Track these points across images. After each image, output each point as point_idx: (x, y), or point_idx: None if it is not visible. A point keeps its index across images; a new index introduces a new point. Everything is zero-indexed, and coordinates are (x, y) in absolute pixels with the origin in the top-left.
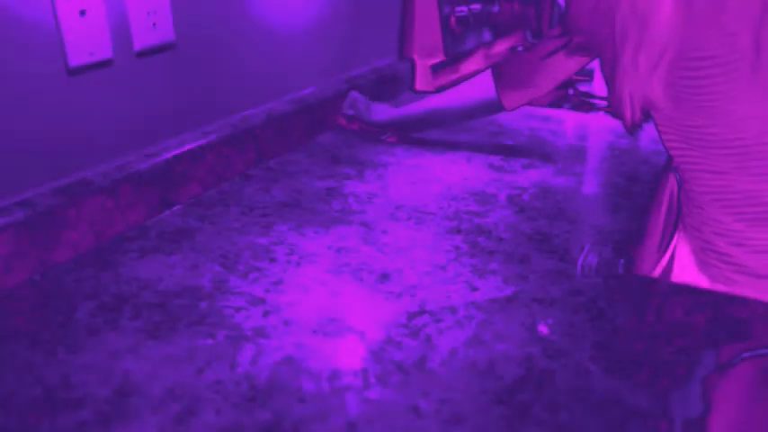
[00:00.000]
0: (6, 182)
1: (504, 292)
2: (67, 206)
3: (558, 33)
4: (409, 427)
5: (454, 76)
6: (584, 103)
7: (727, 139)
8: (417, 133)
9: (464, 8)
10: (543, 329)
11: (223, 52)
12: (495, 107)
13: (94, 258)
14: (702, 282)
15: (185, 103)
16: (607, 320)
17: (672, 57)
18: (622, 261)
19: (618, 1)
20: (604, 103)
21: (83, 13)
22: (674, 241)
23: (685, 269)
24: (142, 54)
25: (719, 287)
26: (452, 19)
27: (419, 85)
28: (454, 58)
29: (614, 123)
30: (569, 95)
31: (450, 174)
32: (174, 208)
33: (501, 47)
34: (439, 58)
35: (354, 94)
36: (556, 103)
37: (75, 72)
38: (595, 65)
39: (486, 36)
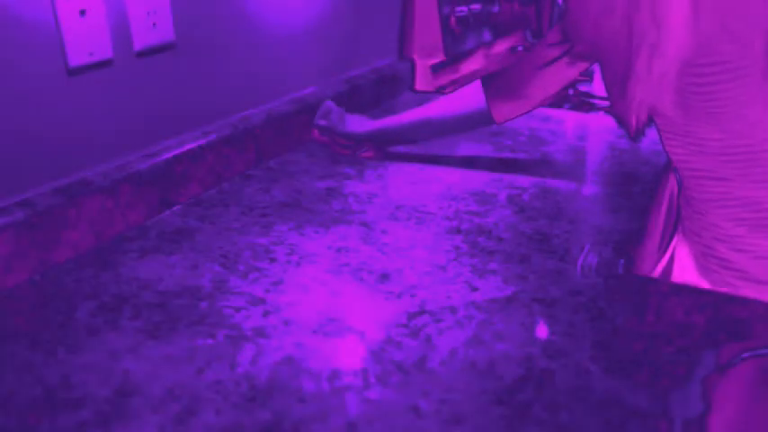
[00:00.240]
0: (6, 182)
1: (504, 292)
2: (67, 206)
3: (557, 41)
4: (409, 427)
5: (454, 76)
6: (584, 103)
7: (733, 146)
8: (397, 147)
9: (464, 8)
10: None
11: (223, 52)
12: (483, 120)
13: (94, 258)
14: (703, 283)
15: (185, 103)
16: (607, 320)
17: (682, 63)
18: (622, 261)
19: (636, 7)
20: (604, 103)
21: (83, 13)
22: (673, 242)
23: (685, 271)
24: (142, 54)
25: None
26: (452, 19)
27: (419, 85)
28: (454, 58)
29: (614, 123)
30: (569, 95)
31: (451, 174)
32: (174, 208)
33: (501, 47)
34: (439, 58)
35: (328, 104)
36: (556, 104)
37: (75, 72)
38: (596, 66)
39: (486, 36)
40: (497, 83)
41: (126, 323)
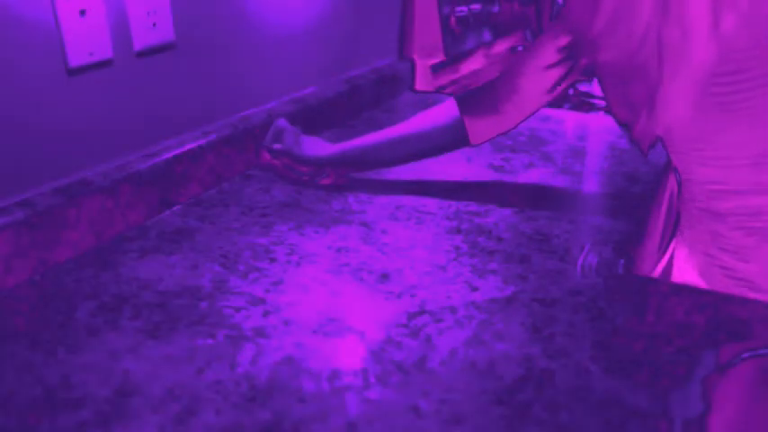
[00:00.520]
0: (6, 182)
1: (504, 293)
2: (67, 206)
3: (561, 58)
4: (409, 427)
5: (454, 76)
6: (584, 103)
7: (749, 155)
8: (362, 172)
9: (464, 8)
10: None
11: (223, 52)
12: (457, 141)
13: (94, 258)
14: (702, 284)
15: (185, 103)
16: (607, 320)
17: (705, 73)
18: (622, 261)
19: (665, 19)
20: (604, 102)
21: (83, 13)
22: (672, 245)
23: (684, 274)
24: (142, 54)
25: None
26: (452, 19)
27: (419, 85)
28: (454, 58)
29: (614, 123)
30: (569, 95)
31: (451, 174)
32: (174, 208)
33: (501, 47)
34: (439, 58)
35: (281, 122)
36: (556, 104)
37: (75, 72)
38: None
39: (486, 36)
40: (474, 100)
41: (126, 323)
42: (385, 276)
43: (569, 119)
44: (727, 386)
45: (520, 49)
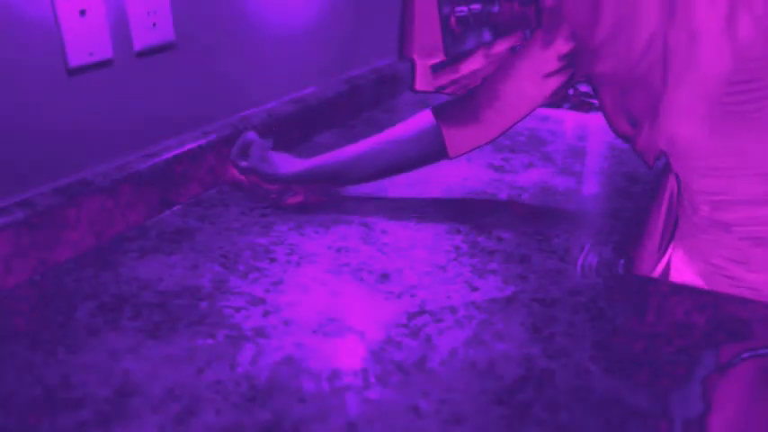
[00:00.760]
0: (6, 182)
1: (504, 293)
2: (67, 206)
3: (562, 66)
4: (409, 427)
5: (454, 76)
6: (584, 103)
7: (762, 165)
8: (334, 189)
9: (464, 8)
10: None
11: (223, 52)
12: (435, 154)
13: (94, 258)
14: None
15: (185, 103)
16: (607, 320)
17: (719, 82)
18: (622, 261)
19: (670, 22)
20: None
21: (83, 13)
22: (670, 250)
23: (684, 277)
24: (142, 54)
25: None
26: (452, 19)
27: (419, 85)
28: (454, 58)
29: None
30: (569, 95)
31: (450, 174)
32: (174, 208)
33: (501, 47)
34: (439, 58)
35: (249, 136)
36: (556, 103)
37: (75, 72)
38: None
39: (486, 36)
40: (452, 109)
41: (126, 323)
42: (385, 276)
43: (569, 119)
44: (727, 386)
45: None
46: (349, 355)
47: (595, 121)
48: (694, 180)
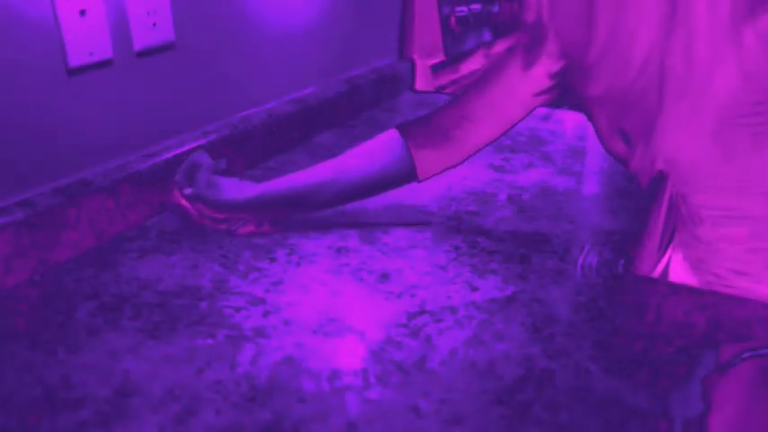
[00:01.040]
0: (6, 182)
1: (504, 293)
2: (67, 206)
3: (553, 85)
4: (409, 427)
5: (454, 76)
6: None
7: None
8: (289, 217)
9: (464, 8)
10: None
11: (223, 52)
12: (402, 176)
13: (94, 258)
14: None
15: (185, 103)
16: (607, 320)
17: (729, 103)
18: (622, 261)
19: (668, 50)
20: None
21: (83, 13)
22: (669, 251)
23: (682, 279)
24: (142, 54)
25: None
26: (452, 19)
27: (419, 85)
28: (454, 58)
29: None
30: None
31: (450, 173)
32: None
33: (501, 47)
34: (439, 58)
35: (197, 157)
36: (556, 103)
37: (75, 72)
38: None
39: (486, 36)
40: (422, 131)
41: (126, 323)
42: (385, 276)
43: (569, 119)
44: (727, 386)
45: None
46: (349, 355)
47: None
48: (697, 197)
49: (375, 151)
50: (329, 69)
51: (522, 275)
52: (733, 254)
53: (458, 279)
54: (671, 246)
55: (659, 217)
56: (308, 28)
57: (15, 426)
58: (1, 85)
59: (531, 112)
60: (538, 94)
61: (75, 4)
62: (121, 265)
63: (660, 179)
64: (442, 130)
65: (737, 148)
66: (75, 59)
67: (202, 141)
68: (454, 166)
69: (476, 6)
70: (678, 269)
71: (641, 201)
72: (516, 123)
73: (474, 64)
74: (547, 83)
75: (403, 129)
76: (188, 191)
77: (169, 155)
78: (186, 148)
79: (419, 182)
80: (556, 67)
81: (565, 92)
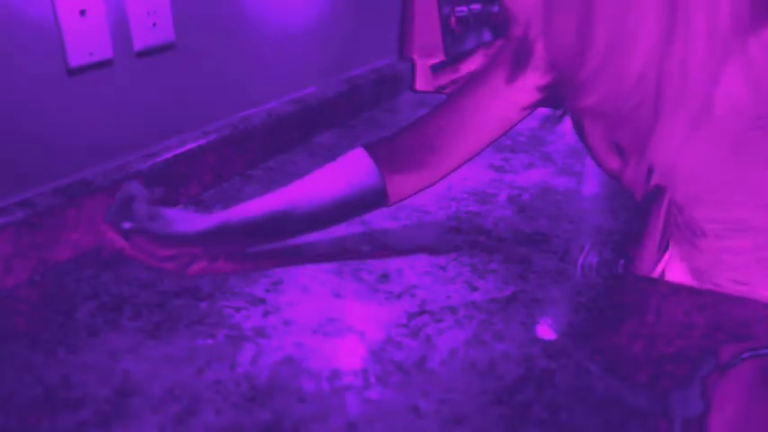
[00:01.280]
0: (6, 182)
1: (504, 293)
2: (67, 206)
3: (529, 103)
4: (409, 427)
5: (454, 76)
6: None
7: None
8: (247, 252)
9: (464, 8)
10: (545, 332)
11: (223, 52)
12: (370, 201)
13: (94, 258)
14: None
15: (185, 103)
16: (607, 320)
17: (734, 119)
18: (622, 261)
19: (666, 69)
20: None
21: (83, 13)
22: (666, 256)
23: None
24: (142, 54)
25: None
26: (452, 19)
27: (419, 85)
28: (454, 58)
29: None
30: None
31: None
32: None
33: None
34: (439, 58)
35: (131, 187)
36: (556, 104)
37: (75, 72)
38: None
39: (486, 36)
40: (391, 149)
41: (126, 323)
42: (385, 276)
43: (569, 119)
44: (727, 386)
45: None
46: (349, 355)
47: None
48: (698, 211)
49: (341, 174)
50: (329, 69)
51: (522, 275)
52: (735, 264)
53: (458, 279)
54: (668, 251)
55: (659, 217)
56: (308, 28)
57: (15, 426)
58: (1, 85)
59: (513, 126)
60: (524, 108)
61: (75, 4)
62: (121, 265)
63: (656, 192)
64: (415, 152)
65: (744, 161)
66: (75, 59)
67: (202, 141)
68: (428, 188)
69: (476, 6)
70: (678, 274)
71: (641, 200)
72: (497, 139)
73: (474, 64)
74: (534, 96)
75: (372, 149)
76: (127, 225)
77: (169, 155)
78: (186, 147)
79: (388, 206)
80: (544, 80)
81: (555, 103)
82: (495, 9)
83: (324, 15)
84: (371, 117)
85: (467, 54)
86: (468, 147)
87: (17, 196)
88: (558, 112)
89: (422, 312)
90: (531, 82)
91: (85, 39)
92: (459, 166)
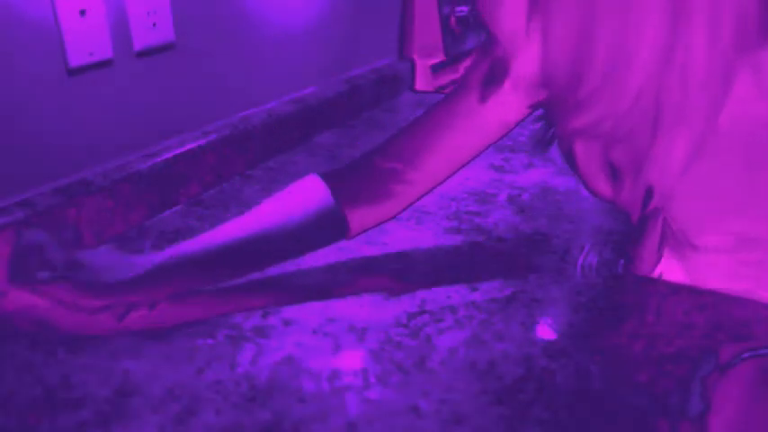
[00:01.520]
0: (6, 182)
1: (504, 292)
2: (67, 206)
3: (525, 116)
4: (409, 427)
5: (454, 76)
6: None
7: None
8: (193, 293)
9: (464, 8)
10: (545, 332)
11: (223, 52)
12: (329, 235)
13: None
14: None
15: (185, 103)
16: (607, 320)
17: (757, 131)
18: (622, 261)
19: (665, 87)
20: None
21: (83, 13)
22: (664, 259)
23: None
24: (142, 54)
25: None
26: (452, 19)
27: (419, 85)
28: (454, 58)
29: None
30: None
31: None
32: (174, 208)
33: None
34: (439, 58)
35: (29, 238)
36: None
37: (75, 72)
38: None
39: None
40: (351, 180)
41: None
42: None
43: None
44: (727, 386)
45: None
46: (349, 355)
47: None
48: (698, 236)
49: (295, 207)
50: (329, 69)
51: (522, 275)
52: (734, 272)
53: (458, 279)
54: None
55: (657, 221)
56: (308, 28)
57: (15, 426)
58: (1, 85)
59: (488, 147)
60: (508, 125)
61: (75, 4)
62: None
63: (653, 214)
64: (378, 182)
65: (754, 174)
66: (75, 59)
67: (202, 141)
68: (391, 219)
69: None
70: (677, 274)
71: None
72: (469, 161)
73: None
74: (522, 114)
75: (330, 180)
76: (43, 274)
77: (169, 155)
78: (186, 148)
79: (348, 239)
80: (535, 99)
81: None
82: None
83: (324, 15)
84: (371, 117)
85: (467, 54)
86: (434, 174)
87: (17, 196)
88: (547, 137)
89: (422, 312)
90: (519, 100)
91: (85, 39)
92: (429, 192)
